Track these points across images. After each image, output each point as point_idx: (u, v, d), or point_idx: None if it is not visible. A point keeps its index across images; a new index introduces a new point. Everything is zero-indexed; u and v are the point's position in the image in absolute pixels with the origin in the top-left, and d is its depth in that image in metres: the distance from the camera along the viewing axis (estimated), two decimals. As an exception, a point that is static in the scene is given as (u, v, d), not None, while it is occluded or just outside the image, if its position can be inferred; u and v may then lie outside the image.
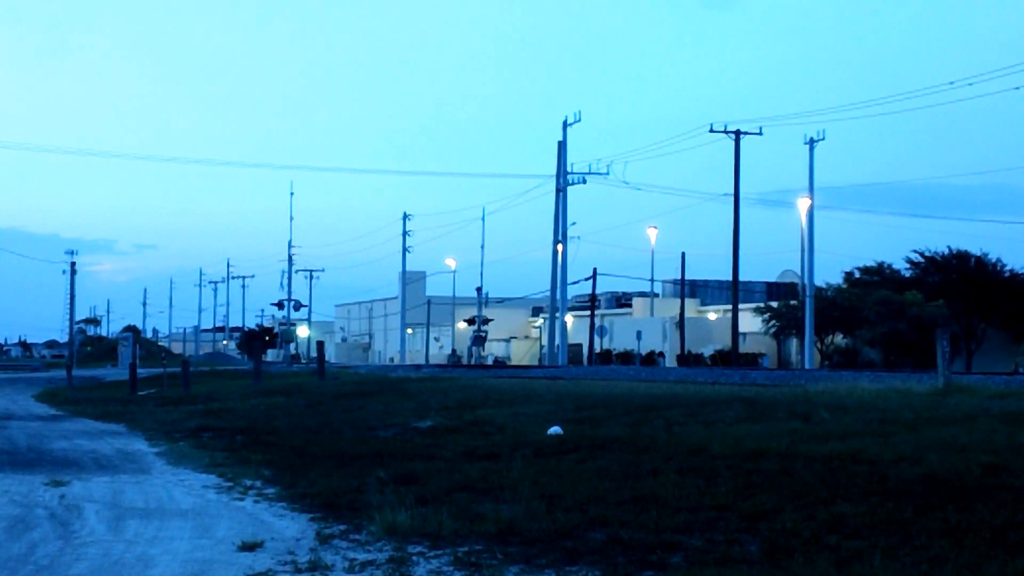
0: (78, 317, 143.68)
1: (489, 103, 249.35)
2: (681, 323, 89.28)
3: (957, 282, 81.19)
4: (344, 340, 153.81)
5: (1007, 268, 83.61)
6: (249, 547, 11.49)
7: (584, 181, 76.78)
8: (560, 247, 76.35)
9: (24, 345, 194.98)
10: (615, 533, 11.23)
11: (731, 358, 74.38)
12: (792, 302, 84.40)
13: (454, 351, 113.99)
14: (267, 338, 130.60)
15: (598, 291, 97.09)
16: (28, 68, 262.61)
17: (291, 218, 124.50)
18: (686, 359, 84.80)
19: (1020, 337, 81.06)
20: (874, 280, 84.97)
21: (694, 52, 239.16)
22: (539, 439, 19.75)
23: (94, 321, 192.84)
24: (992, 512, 10.93)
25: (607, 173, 76.50)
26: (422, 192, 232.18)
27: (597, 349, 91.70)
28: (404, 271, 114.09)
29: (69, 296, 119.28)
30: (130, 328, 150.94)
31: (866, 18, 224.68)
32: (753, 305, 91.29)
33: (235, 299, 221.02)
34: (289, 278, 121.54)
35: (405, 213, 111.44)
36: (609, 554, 10.53)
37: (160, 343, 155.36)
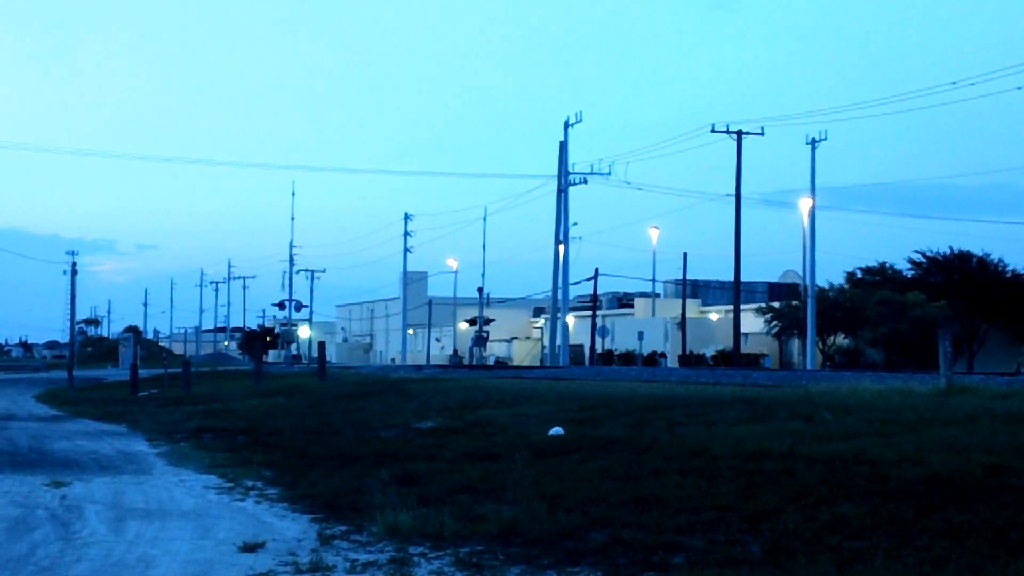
0: (79, 317, 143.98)
1: (490, 103, 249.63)
2: (683, 323, 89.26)
3: (959, 282, 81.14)
4: (345, 341, 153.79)
5: (1009, 268, 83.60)
6: (250, 548, 11.48)
7: (585, 181, 76.85)
8: (561, 247, 76.34)
9: (25, 346, 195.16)
10: (617, 534, 11.22)
11: (733, 358, 74.37)
12: (794, 302, 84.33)
13: (455, 352, 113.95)
14: (268, 339, 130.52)
15: (600, 291, 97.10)
16: (29, 68, 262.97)
17: (292, 218, 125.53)
18: (688, 359, 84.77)
19: (1022, 338, 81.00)
20: (876, 280, 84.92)
21: (696, 52, 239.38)
22: (540, 440, 19.74)
23: (95, 322, 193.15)
24: (994, 513, 10.91)
25: (609, 173, 76.63)
26: (423, 192, 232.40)
27: (599, 349, 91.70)
28: (405, 271, 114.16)
29: (70, 296, 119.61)
30: (131, 328, 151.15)
31: (867, 18, 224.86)
32: (755, 305, 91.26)
33: (236, 299, 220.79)
34: (290, 278, 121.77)
35: (406, 213, 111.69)
36: (611, 555, 10.52)
37: (161, 343, 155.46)
